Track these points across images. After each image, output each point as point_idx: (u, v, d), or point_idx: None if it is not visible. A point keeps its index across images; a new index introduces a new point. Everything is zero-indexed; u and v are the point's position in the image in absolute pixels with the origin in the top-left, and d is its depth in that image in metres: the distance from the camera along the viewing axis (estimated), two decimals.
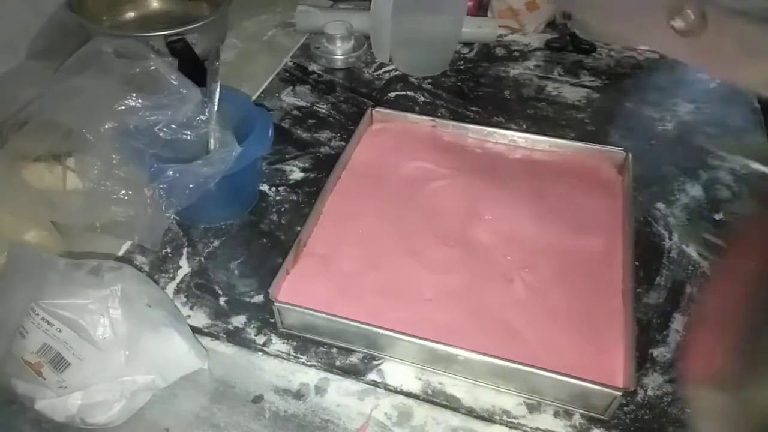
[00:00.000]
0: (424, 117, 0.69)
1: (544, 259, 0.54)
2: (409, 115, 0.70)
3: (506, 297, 0.51)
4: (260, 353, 0.51)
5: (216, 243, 0.60)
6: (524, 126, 0.74)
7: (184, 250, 0.59)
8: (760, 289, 0.30)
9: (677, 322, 0.54)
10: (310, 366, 0.50)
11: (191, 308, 0.54)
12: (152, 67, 0.54)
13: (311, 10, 0.90)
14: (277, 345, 0.51)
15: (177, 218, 0.61)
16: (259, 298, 0.55)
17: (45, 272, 0.46)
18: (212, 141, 0.56)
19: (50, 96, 0.53)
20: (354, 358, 0.51)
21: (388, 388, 0.49)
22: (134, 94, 0.52)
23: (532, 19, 0.93)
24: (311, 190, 0.65)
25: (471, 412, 0.47)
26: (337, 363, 0.50)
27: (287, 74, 0.83)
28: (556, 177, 0.62)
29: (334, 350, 0.51)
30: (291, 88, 0.81)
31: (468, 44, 0.89)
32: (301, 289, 0.51)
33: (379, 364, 0.50)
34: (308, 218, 0.57)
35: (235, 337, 0.52)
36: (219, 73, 0.57)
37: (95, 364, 0.44)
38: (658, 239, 0.60)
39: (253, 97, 0.78)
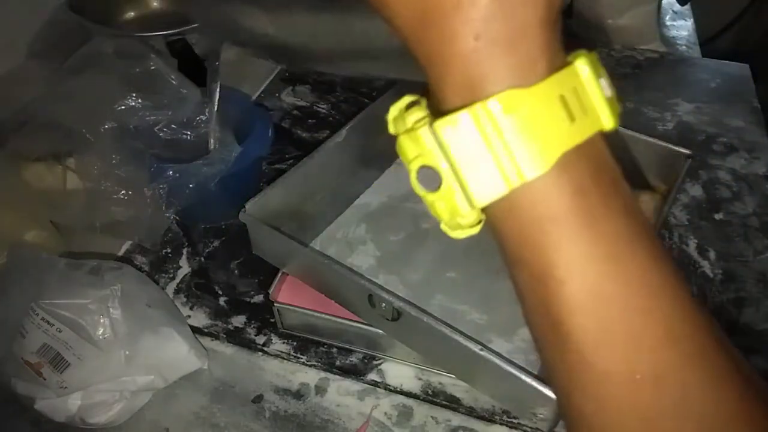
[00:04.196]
0: None
1: None
2: None
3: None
4: (260, 353, 0.51)
5: (216, 243, 0.60)
6: None
7: (184, 250, 0.59)
8: None
9: None
10: (310, 366, 0.50)
11: (191, 308, 0.54)
12: (152, 67, 0.54)
13: None
14: (277, 345, 0.51)
15: (177, 218, 0.61)
16: (259, 298, 0.55)
17: (45, 272, 0.46)
18: (212, 141, 0.56)
19: (50, 96, 0.53)
20: (354, 358, 0.51)
21: (388, 388, 0.49)
22: (134, 94, 0.52)
23: None
24: None
25: (471, 412, 0.47)
26: (337, 363, 0.50)
27: (287, 74, 0.83)
28: None
29: (334, 350, 0.51)
30: (291, 88, 0.81)
31: None
32: (301, 289, 0.51)
33: (379, 364, 0.50)
34: None
35: (235, 337, 0.52)
36: (219, 73, 0.57)
37: (95, 364, 0.44)
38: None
39: (253, 97, 0.78)
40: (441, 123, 0.20)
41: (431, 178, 0.21)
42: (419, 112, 0.22)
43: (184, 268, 0.58)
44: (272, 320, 0.52)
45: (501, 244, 0.23)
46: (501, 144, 0.20)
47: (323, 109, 0.77)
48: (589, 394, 0.23)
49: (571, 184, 0.21)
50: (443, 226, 0.23)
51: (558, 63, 0.21)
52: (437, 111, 0.22)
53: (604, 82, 0.21)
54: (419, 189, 0.22)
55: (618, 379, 0.22)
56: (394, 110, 0.23)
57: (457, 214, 0.22)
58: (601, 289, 0.21)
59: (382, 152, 0.63)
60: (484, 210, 0.22)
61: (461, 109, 0.20)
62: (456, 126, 0.20)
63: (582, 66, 0.21)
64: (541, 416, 0.41)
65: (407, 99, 0.23)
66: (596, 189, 0.21)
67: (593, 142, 0.21)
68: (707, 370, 0.22)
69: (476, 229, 0.23)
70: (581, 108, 0.21)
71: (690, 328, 0.22)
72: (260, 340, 0.52)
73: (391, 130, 0.23)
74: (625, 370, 0.22)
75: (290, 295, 0.51)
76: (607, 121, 0.21)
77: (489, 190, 0.21)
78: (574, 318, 0.22)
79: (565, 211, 0.21)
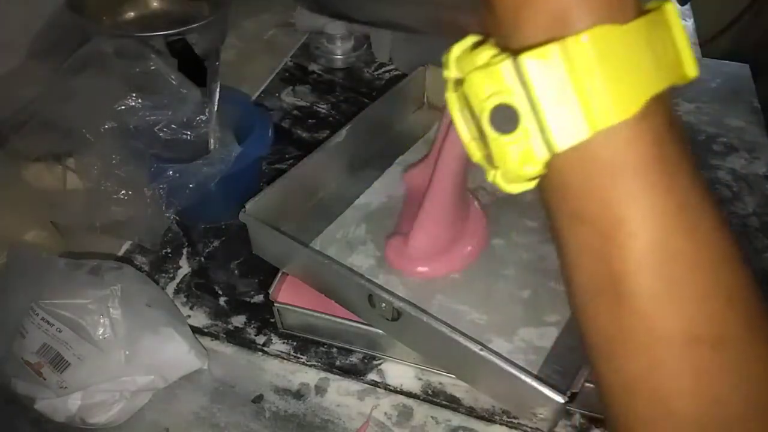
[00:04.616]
0: None
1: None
2: None
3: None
4: (260, 353, 0.51)
5: (216, 243, 0.60)
6: None
7: (184, 250, 0.59)
8: None
9: None
10: (310, 366, 0.50)
11: (191, 308, 0.54)
12: (152, 67, 0.54)
13: None
14: (277, 345, 0.51)
15: (177, 218, 0.61)
16: (259, 298, 0.55)
17: (45, 272, 0.46)
18: (212, 141, 0.56)
19: (50, 96, 0.53)
20: (354, 358, 0.51)
21: (388, 388, 0.49)
22: (134, 94, 0.52)
23: None
24: None
25: (471, 412, 0.47)
26: (337, 363, 0.50)
27: (287, 74, 0.83)
28: None
29: (334, 350, 0.51)
30: (291, 88, 0.81)
31: None
32: (301, 289, 0.51)
33: (379, 364, 0.50)
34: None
35: (235, 337, 0.52)
36: (219, 73, 0.57)
37: (95, 364, 0.44)
38: None
39: (253, 97, 0.78)
40: (528, 56, 0.19)
41: (508, 118, 0.20)
42: (491, 50, 0.21)
43: (184, 268, 0.58)
44: (272, 320, 0.52)
45: (559, 199, 0.22)
46: (589, 83, 0.19)
47: (323, 109, 0.77)
48: (642, 357, 0.22)
49: (650, 132, 0.20)
50: (498, 179, 0.22)
51: (641, 7, 0.20)
52: (507, 49, 0.20)
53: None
54: (491, 131, 0.21)
55: (677, 341, 0.21)
56: (457, 50, 0.22)
57: (529, 160, 0.20)
58: (671, 245, 0.20)
59: (382, 152, 0.63)
60: (549, 160, 0.21)
61: (550, 43, 0.19)
62: (545, 60, 0.19)
63: (670, 11, 0.20)
64: (541, 416, 0.41)
65: (472, 38, 0.22)
66: (671, 140, 0.20)
67: (668, 93, 0.20)
68: (764, 336, 0.22)
69: (533, 184, 0.22)
70: (667, 54, 0.20)
71: (750, 292, 0.22)
72: (260, 340, 0.52)
73: (450, 72, 0.22)
74: (686, 332, 0.21)
75: (290, 295, 0.51)
76: (690, 69, 0.21)
77: (571, 133, 0.19)
78: (639, 275, 0.21)
79: (643, 160, 0.20)
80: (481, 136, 0.22)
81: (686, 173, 0.21)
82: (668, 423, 0.22)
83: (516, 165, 0.21)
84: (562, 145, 0.20)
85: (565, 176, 0.21)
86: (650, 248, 0.20)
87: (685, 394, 0.22)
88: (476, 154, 0.23)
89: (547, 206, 0.22)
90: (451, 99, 0.22)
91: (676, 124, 0.21)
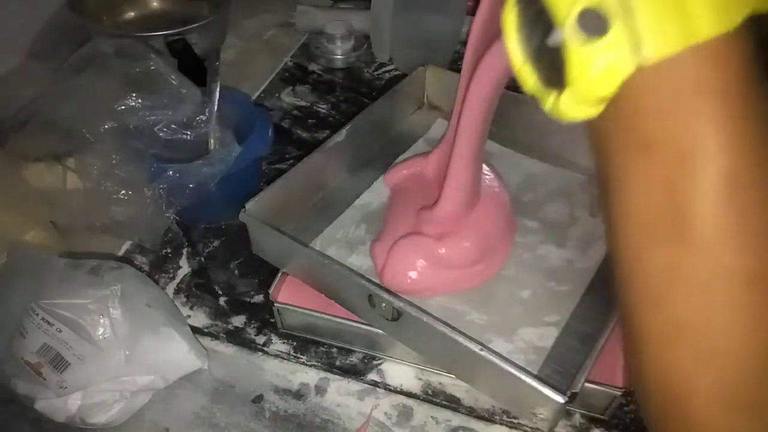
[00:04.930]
0: None
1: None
2: None
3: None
4: (260, 353, 0.51)
5: (216, 243, 0.60)
6: None
7: (184, 250, 0.59)
8: None
9: None
10: (310, 366, 0.50)
11: (191, 308, 0.54)
12: (152, 67, 0.54)
13: (311, 10, 0.90)
14: (277, 345, 0.51)
15: (177, 218, 0.61)
16: (259, 298, 0.55)
17: (45, 272, 0.46)
18: (212, 141, 0.56)
19: (50, 96, 0.53)
20: (354, 358, 0.51)
21: (388, 388, 0.49)
22: (134, 94, 0.52)
23: None
24: None
25: (471, 412, 0.47)
26: (337, 363, 0.50)
27: (287, 74, 0.83)
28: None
29: (334, 350, 0.51)
30: (291, 88, 0.81)
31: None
32: (301, 289, 0.51)
33: (379, 364, 0.50)
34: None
35: (235, 337, 0.52)
36: (219, 73, 0.57)
37: (95, 364, 0.44)
38: None
39: (253, 97, 0.78)
40: None
41: (595, 25, 0.19)
42: None
43: (184, 268, 0.58)
44: (272, 320, 0.52)
45: (627, 125, 0.20)
46: None
47: (323, 109, 0.77)
48: (697, 296, 0.21)
49: (738, 55, 0.19)
50: (561, 102, 0.20)
51: None
52: None
53: None
54: (577, 38, 0.19)
55: (738, 277, 0.20)
56: None
57: (611, 73, 0.19)
58: (744, 176, 0.19)
59: (382, 152, 0.63)
60: (628, 79, 0.19)
61: None
62: None
63: None
64: (541, 416, 0.41)
65: None
66: (754, 68, 0.19)
67: (749, 23, 0.19)
68: None
69: (599, 109, 0.20)
70: None
71: None
72: (260, 340, 0.52)
73: None
74: (747, 269, 0.20)
75: (290, 295, 0.51)
76: None
77: (665, 43, 0.18)
78: (706, 206, 0.20)
79: (728, 83, 0.19)
80: (540, 55, 0.21)
81: (766, 105, 0.20)
82: (716, 369, 0.21)
83: (595, 79, 0.19)
84: (652, 55, 0.19)
85: (643, 96, 0.20)
86: (722, 177, 0.19)
87: (738, 336, 0.21)
88: (529, 80, 0.22)
89: (605, 137, 0.21)
90: (509, 17, 0.21)
91: (757, 49, 0.20)
